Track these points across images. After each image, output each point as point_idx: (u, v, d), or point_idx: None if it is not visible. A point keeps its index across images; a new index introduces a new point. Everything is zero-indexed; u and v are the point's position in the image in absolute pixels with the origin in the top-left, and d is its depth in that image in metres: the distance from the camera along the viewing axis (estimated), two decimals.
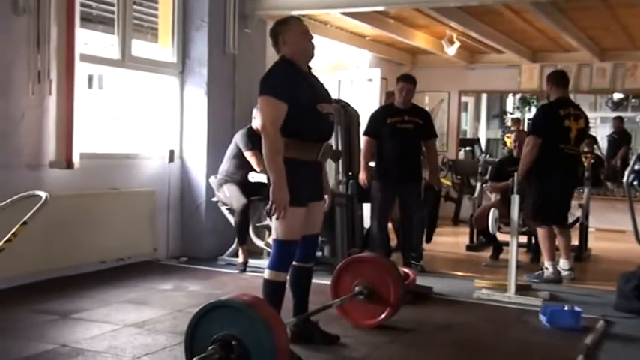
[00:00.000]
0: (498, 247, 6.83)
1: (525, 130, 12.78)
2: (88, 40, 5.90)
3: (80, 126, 5.18)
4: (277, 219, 3.42)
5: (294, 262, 3.67)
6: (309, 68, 3.66)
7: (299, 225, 3.52)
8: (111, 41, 5.86)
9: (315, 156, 3.57)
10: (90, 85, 9.15)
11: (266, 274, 3.57)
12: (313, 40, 3.65)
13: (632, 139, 12.34)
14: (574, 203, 6.51)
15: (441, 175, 7.75)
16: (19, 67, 4.90)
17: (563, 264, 5.89)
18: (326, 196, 3.83)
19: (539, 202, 5.73)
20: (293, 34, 3.57)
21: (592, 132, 9.29)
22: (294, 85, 3.46)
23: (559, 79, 5.93)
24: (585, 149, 8.18)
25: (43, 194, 3.41)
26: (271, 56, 6.50)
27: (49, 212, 3.59)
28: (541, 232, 5.84)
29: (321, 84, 3.73)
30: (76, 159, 5.12)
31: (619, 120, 11.76)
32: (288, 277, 3.65)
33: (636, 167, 5.71)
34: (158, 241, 6.14)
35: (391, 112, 5.92)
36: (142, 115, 6.91)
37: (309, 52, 3.62)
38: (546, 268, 5.79)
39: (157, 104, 6.51)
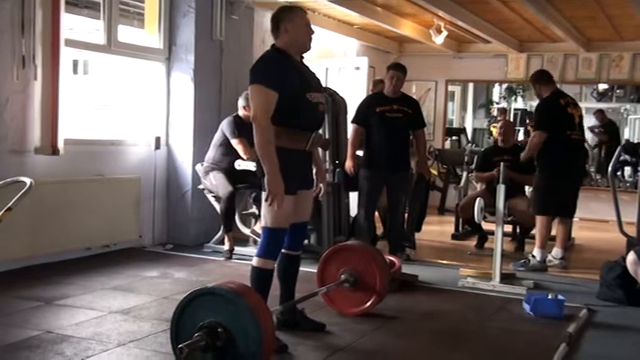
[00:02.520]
0: (483, 236, 6.87)
1: (511, 120, 12.88)
2: (73, 25, 5.85)
3: (65, 112, 5.13)
4: (273, 207, 3.41)
5: (282, 250, 3.68)
6: (302, 58, 3.65)
7: (288, 213, 3.52)
8: (96, 26, 5.81)
9: (304, 145, 3.56)
10: (75, 71, 9.06)
11: (254, 261, 3.57)
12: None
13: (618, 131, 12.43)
14: None
15: (428, 164, 7.76)
16: (3, 52, 4.84)
17: (556, 252, 5.96)
18: (321, 185, 3.85)
19: (550, 192, 5.79)
20: (297, 25, 3.53)
21: None
22: (283, 74, 3.44)
23: (546, 78, 6.05)
24: None
25: (27, 180, 3.39)
26: (258, 43, 6.54)
27: (34, 198, 3.58)
28: (542, 220, 5.87)
29: (312, 73, 3.71)
30: (60, 145, 5.08)
31: (601, 113, 11.85)
32: (275, 265, 3.65)
33: (621, 158, 5.77)
34: (143, 228, 6.12)
35: (380, 101, 5.91)
36: (128, 102, 6.86)
37: (307, 45, 3.60)
38: (533, 257, 5.84)
39: (143, 91, 6.46)
